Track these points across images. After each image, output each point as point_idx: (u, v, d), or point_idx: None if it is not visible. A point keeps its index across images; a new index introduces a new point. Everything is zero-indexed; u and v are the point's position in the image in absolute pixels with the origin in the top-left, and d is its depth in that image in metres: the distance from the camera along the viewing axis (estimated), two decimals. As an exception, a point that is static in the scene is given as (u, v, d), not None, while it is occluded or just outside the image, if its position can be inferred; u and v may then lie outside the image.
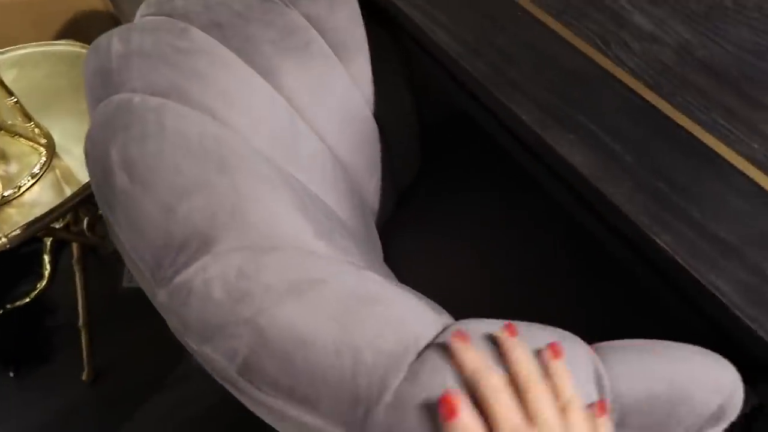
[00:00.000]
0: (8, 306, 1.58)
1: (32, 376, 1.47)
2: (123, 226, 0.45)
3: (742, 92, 0.60)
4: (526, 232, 0.91)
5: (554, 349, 0.45)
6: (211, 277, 0.41)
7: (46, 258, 1.64)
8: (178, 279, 0.42)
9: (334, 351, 0.39)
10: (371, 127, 0.85)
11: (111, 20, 1.87)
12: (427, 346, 0.43)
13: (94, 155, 0.48)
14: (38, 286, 1.61)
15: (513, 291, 0.86)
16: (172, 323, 0.42)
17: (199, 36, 0.63)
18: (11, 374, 1.47)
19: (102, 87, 0.54)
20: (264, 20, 0.71)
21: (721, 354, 0.50)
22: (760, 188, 0.53)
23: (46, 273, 1.63)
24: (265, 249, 0.45)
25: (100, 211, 0.48)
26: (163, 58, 0.57)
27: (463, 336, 0.42)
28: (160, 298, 0.43)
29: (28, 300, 1.59)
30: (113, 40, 0.58)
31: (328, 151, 0.76)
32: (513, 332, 0.44)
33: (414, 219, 0.97)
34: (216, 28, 0.66)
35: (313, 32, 0.76)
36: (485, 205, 0.96)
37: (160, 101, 0.53)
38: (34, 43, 1.31)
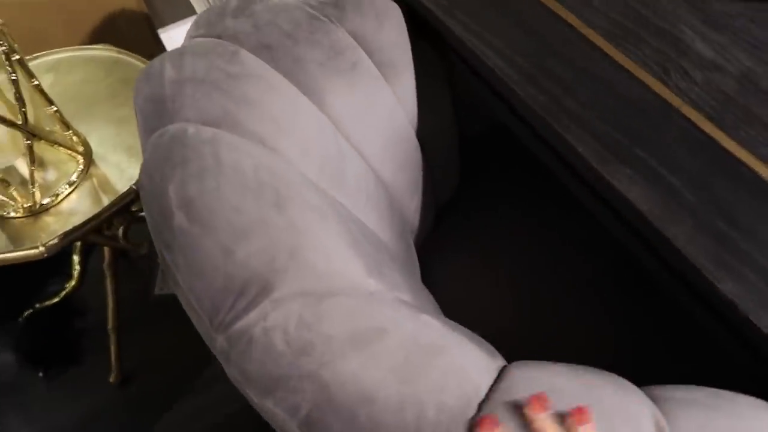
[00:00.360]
0: (37, 306, 1.59)
1: (61, 377, 1.48)
2: (181, 266, 0.44)
3: (811, 130, 0.58)
4: (566, 256, 0.89)
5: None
6: (271, 326, 0.40)
7: (76, 259, 1.65)
8: (238, 325, 0.41)
9: (398, 406, 0.38)
10: (414, 146, 0.84)
11: (144, 20, 1.88)
12: (487, 398, 0.42)
13: (152, 192, 0.47)
14: (67, 286, 1.62)
15: (550, 317, 0.84)
16: (231, 373, 0.41)
17: (249, 59, 0.62)
18: (40, 374, 1.48)
19: (155, 115, 0.54)
20: (312, 40, 0.70)
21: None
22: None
23: (76, 274, 1.64)
24: (323, 294, 0.44)
25: (156, 249, 0.48)
26: (215, 84, 0.57)
27: (541, 402, 0.41)
28: (218, 343, 0.42)
29: (57, 300, 1.60)
30: (166, 66, 0.57)
31: (372, 172, 0.75)
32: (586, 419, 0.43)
33: (452, 237, 0.96)
34: (265, 50, 0.65)
35: (361, 52, 0.75)
36: (525, 224, 0.94)
37: (213, 132, 0.52)
38: (70, 48, 1.32)
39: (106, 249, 1.36)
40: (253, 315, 0.41)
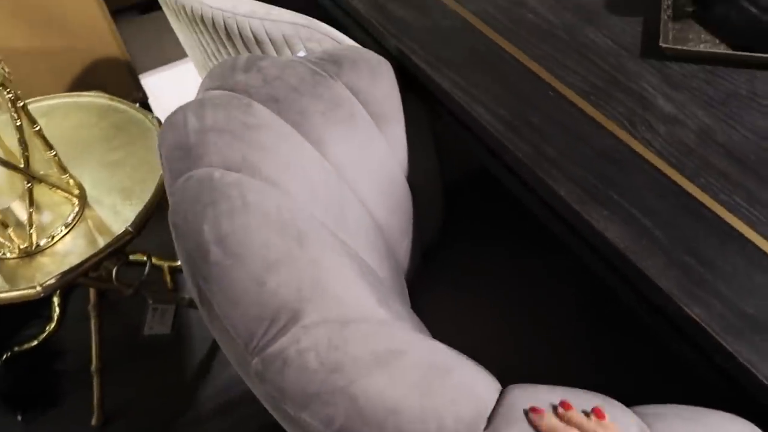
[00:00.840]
0: (16, 349, 1.59)
1: (40, 420, 1.47)
2: (217, 296, 0.49)
3: (761, 176, 0.66)
4: (547, 291, 0.96)
5: (598, 413, 0.51)
6: (304, 348, 0.45)
7: (56, 301, 1.66)
8: (272, 349, 0.46)
9: (420, 418, 0.43)
10: (404, 190, 0.90)
11: (126, 68, 1.93)
12: (494, 412, 0.48)
13: (187, 230, 0.52)
14: (47, 328, 1.62)
15: (534, 347, 0.91)
16: (267, 390, 0.46)
17: (261, 111, 0.68)
18: (19, 418, 1.47)
19: (181, 161, 0.59)
20: (314, 93, 0.77)
21: (743, 412, 0.56)
22: (782, 267, 0.59)
23: (55, 316, 1.64)
24: (344, 321, 0.49)
25: (190, 282, 0.53)
26: (234, 133, 0.62)
27: (538, 410, 0.48)
28: (253, 365, 0.47)
29: (36, 343, 1.60)
30: (188, 116, 0.63)
31: (368, 215, 0.81)
32: (570, 407, 0.50)
33: (438, 275, 1.02)
34: (274, 103, 0.71)
35: (357, 104, 0.82)
36: (507, 263, 1.01)
37: (236, 176, 0.57)
38: (63, 94, 1.36)
39: (91, 290, 1.38)
40: (285, 339, 0.46)
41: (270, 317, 0.47)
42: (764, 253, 0.60)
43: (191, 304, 1.56)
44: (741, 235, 0.62)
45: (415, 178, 0.93)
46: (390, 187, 0.86)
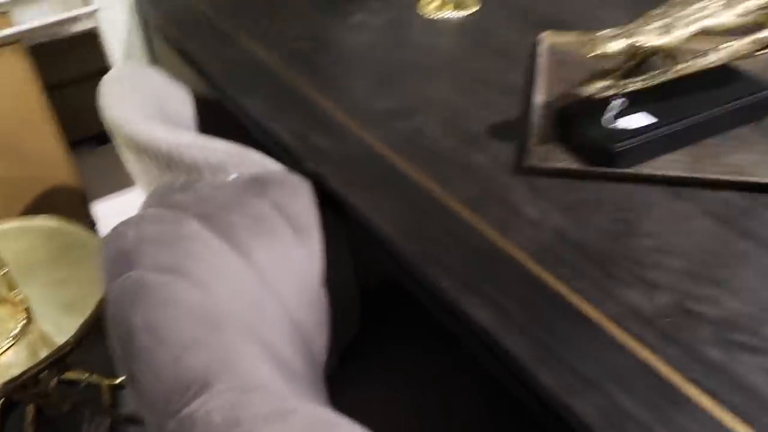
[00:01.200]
0: (-52, 473, 1.57)
1: None
2: (143, 372, 0.59)
3: (602, 266, 0.81)
4: (451, 380, 1.07)
5: None
6: (211, 408, 0.55)
7: (-7, 422, 1.66)
8: (185, 411, 0.56)
9: (306, 462, 0.53)
10: (321, 294, 1.03)
11: (78, 195, 2.05)
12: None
13: (120, 319, 0.63)
14: (-18, 450, 1.61)
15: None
16: (181, 446, 0.55)
17: (193, 225, 0.81)
18: None
19: (120, 265, 0.71)
20: (242, 211, 0.90)
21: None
22: (612, 337, 0.73)
23: (-8, 437, 1.64)
24: (248, 389, 0.60)
25: (121, 364, 0.63)
26: (168, 243, 0.75)
27: None
28: (169, 426, 0.56)
29: (-31, 466, 1.58)
30: (129, 229, 0.75)
31: (287, 314, 0.92)
32: None
33: (355, 377, 1.12)
34: (205, 218, 0.85)
35: (279, 218, 0.95)
36: (419, 360, 1.12)
37: (167, 278, 0.69)
38: (16, 218, 1.47)
39: (28, 407, 1.42)
40: (196, 403, 0.56)
41: (185, 386, 0.58)
42: (600, 326, 0.74)
43: (126, 419, 1.60)
44: (586, 316, 0.76)
45: (332, 283, 1.05)
46: (308, 290, 0.99)
